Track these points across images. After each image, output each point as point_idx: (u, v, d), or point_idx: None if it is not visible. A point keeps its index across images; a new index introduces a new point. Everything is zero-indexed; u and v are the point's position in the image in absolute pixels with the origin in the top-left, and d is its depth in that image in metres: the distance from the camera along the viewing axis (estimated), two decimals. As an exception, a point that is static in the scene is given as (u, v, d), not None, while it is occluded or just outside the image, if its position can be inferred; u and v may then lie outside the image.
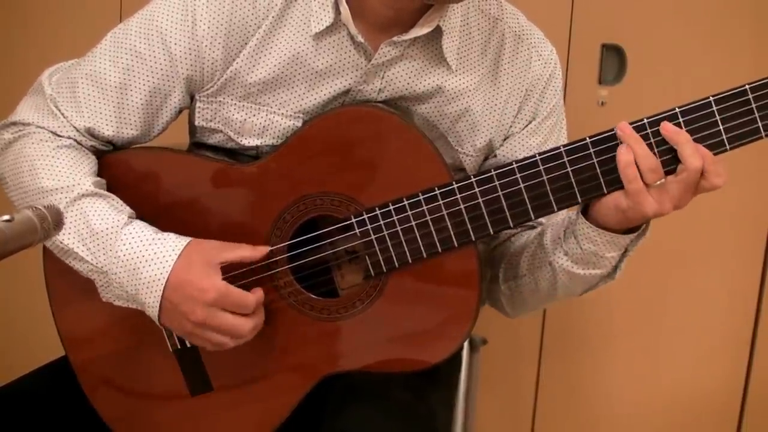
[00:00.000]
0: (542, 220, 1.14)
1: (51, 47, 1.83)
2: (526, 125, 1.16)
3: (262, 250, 1.05)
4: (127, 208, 1.07)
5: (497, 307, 1.22)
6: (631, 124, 0.96)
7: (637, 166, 0.95)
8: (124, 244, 1.02)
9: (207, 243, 1.05)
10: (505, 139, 1.16)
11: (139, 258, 1.02)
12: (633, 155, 0.95)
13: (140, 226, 1.04)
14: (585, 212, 1.03)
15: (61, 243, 1.04)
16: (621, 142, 0.96)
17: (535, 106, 1.16)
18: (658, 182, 0.96)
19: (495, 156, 1.17)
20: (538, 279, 1.11)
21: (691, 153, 0.94)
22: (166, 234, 1.04)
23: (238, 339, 1.04)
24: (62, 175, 1.06)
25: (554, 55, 1.17)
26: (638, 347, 1.79)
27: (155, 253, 1.02)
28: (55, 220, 0.79)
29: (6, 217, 0.75)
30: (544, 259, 1.09)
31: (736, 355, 1.76)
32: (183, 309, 1.01)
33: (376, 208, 1.04)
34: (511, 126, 1.16)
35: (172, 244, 1.03)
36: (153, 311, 1.03)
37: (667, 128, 0.95)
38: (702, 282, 1.74)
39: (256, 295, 1.04)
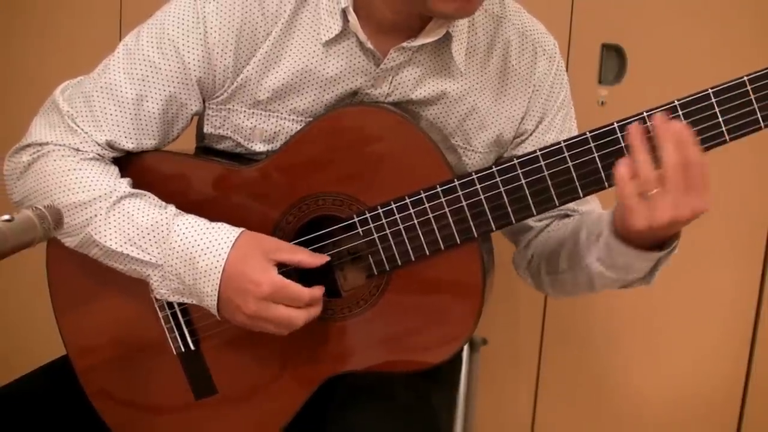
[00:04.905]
0: (573, 206, 1.15)
1: (51, 47, 1.83)
2: (538, 123, 1.17)
3: (321, 258, 1.05)
4: (168, 203, 1.07)
5: (542, 290, 1.22)
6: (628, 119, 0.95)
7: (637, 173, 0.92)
8: (178, 235, 1.03)
9: (263, 236, 1.05)
10: (517, 138, 1.17)
11: (194, 247, 1.02)
12: (630, 168, 0.92)
13: (191, 217, 1.05)
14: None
15: (106, 246, 1.04)
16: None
17: (544, 104, 1.16)
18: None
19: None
20: (577, 275, 1.10)
21: (670, 152, 0.90)
22: (218, 223, 1.04)
23: (292, 329, 1.03)
24: (96, 185, 1.05)
25: (557, 48, 1.18)
26: (638, 347, 1.79)
27: (210, 242, 1.02)
28: (54, 220, 0.80)
29: (6, 216, 0.75)
30: (580, 260, 1.08)
31: (736, 355, 1.76)
32: (237, 302, 1.02)
33: (378, 207, 1.04)
34: (521, 123, 1.16)
35: (226, 233, 1.03)
36: (211, 300, 1.03)
37: (656, 120, 0.92)
38: (702, 282, 1.74)
39: (313, 292, 1.03)
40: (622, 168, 0.92)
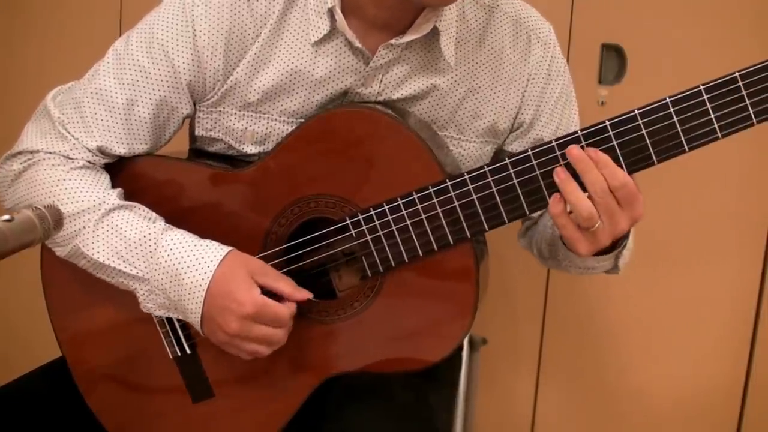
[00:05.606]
0: None
1: (51, 47, 1.83)
2: (536, 113, 1.16)
3: (304, 294, 1.05)
4: (157, 215, 1.07)
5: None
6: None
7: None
8: (165, 251, 1.03)
9: (250, 257, 1.05)
10: (516, 130, 1.17)
11: (180, 264, 1.02)
12: (563, 204, 0.97)
13: (179, 232, 1.05)
14: None
15: (94, 259, 1.04)
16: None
17: (541, 93, 1.16)
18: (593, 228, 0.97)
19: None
20: (557, 264, 1.17)
21: (593, 181, 0.95)
22: (207, 241, 1.05)
23: (274, 347, 1.04)
24: (85, 197, 1.05)
25: (552, 34, 1.17)
26: (638, 347, 1.79)
27: (197, 260, 1.02)
28: (54, 220, 0.79)
29: (6, 217, 0.75)
30: (556, 254, 1.14)
31: (736, 355, 1.76)
32: (218, 320, 1.02)
33: (371, 209, 1.04)
34: (518, 113, 1.16)
35: (214, 251, 1.03)
36: (195, 317, 1.03)
37: (572, 153, 0.96)
38: (702, 282, 1.73)
39: (290, 309, 1.03)
40: (554, 208, 0.98)
